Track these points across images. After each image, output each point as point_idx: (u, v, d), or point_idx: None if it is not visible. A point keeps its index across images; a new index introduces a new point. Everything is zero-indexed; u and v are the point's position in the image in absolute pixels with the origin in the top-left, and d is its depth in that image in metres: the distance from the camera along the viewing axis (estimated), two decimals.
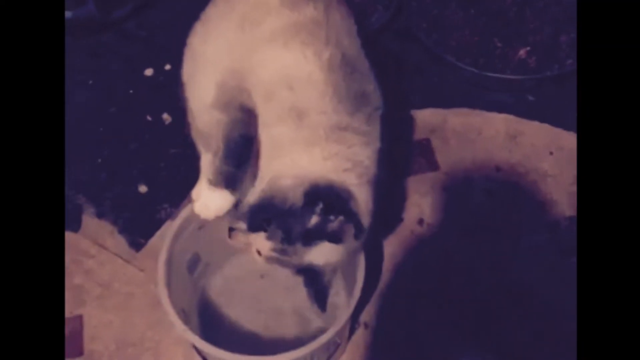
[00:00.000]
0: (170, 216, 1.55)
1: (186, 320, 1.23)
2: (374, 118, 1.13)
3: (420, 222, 1.55)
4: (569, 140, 1.65)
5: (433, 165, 1.63)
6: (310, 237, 1.05)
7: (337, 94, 1.09)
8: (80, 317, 1.44)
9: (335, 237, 1.05)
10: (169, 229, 1.30)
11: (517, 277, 1.47)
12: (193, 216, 1.31)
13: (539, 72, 1.73)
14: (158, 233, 1.53)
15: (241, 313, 1.41)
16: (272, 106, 1.10)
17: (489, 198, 1.58)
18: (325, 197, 1.04)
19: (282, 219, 1.05)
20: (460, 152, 1.65)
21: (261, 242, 1.08)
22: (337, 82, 1.09)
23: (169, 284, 1.23)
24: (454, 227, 1.54)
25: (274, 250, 1.07)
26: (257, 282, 1.44)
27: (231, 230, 1.12)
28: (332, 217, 1.04)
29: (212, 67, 1.19)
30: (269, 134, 1.11)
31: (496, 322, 1.42)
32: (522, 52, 1.76)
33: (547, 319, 1.41)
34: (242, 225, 1.09)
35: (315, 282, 1.12)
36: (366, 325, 1.41)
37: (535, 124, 1.69)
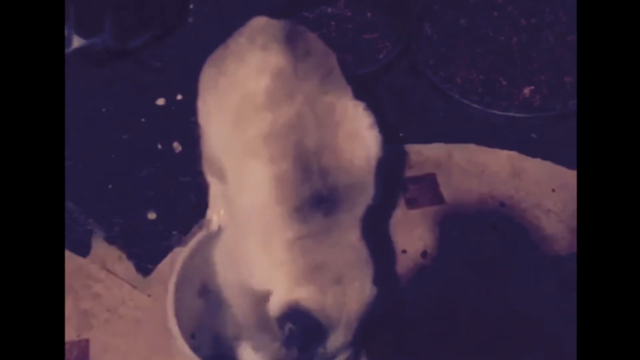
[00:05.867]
0: (179, 243, 1.57)
1: (196, 346, 1.24)
2: (335, 212, 1.17)
3: (424, 255, 1.57)
4: (571, 178, 1.68)
5: (438, 199, 1.66)
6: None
7: (288, 207, 1.15)
8: (87, 341, 1.46)
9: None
10: (180, 255, 1.32)
11: (520, 311, 1.49)
12: (203, 243, 1.35)
13: (542, 111, 1.77)
14: (166, 259, 1.55)
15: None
16: (250, 235, 1.20)
17: (492, 233, 1.61)
18: (288, 323, 1.14)
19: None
20: (464, 187, 1.68)
21: None
22: (288, 195, 1.16)
23: (177, 309, 1.25)
24: (457, 261, 1.56)
25: None
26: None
27: None
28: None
29: (222, 142, 1.28)
30: (255, 262, 1.20)
31: (499, 355, 1.43)
32: (526, 91, 1.80)
33: (550, 353, 1.43)
34: None
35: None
36: (368, 357, 1.42)
37: (539, 161, 1.72)
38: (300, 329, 1.13)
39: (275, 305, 1.15)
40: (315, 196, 1.16)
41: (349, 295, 1.16)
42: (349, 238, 1.19)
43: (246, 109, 1.22)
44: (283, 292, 1.15)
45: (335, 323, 1.15)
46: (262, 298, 1.17)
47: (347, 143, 1.22)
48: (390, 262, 1.56)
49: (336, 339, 1.17)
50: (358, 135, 1.23)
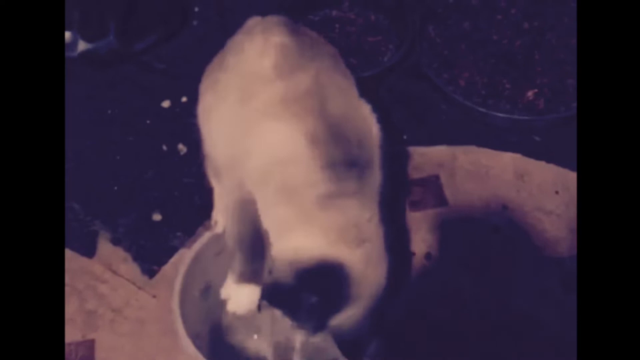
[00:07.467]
0: (184, 244, 1.58)
1: (199, 346, 1.25)
2: (365, 177, 1.16)
3: (428, 256, 1.58)
4: (574, 180, 1.68)
5: (441, 201, 1.66)
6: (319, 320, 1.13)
7: (322, 164, 1.13)
8: (92, 342, 1.47)
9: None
10: (185, 256, 1.33)
11: (523, 312, 1.49)
12: (208, 245, 1.36)
13: (546, 114, 1.77)
14: (171, 260, 1.56)
15: (254, 341, 1.43)
16: (266, 190, 1.16)
17: (495, 234, 1.61)
18: (314, 280, 1.11)
19: (288, 301, 1.13)
20: (468, 189, 1.69)
21: (281, 316, 1.16)
22: (321, 152, 1.13)
23: (183, 310, 1.26)
24: (461, 262, 1.57)
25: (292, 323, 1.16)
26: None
27: (259, 305, 1.24)
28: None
29: (221, 135, 1.26)
30: (267, 218, 1.17)
31: (502, 356, 1.44)
32: (529, 94, 1.81)
33: (551, 354, 1.43)
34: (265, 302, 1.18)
35: (342, 339, 1.17)
36: (374, 358, 1.43)
37: (542, 163, 1.73)
38: (324, 295, 1.11)
39: (305, 259, 1.12)
40: (348, 159, 1.14)
41: (373, 260, 1.15)
42: (373, 204, 1.17)
43: (253, 85, 1.20)
44: (315, 247, 1.12)
45: (357, 288, 1.13)
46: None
47: (365, 119, 1.22)
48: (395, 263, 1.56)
49: (350, 312, 1.15)
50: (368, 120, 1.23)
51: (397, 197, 1.63)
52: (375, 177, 1.19)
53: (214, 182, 1.44)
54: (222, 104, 1.26)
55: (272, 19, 1.28)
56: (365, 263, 1.14)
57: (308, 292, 1.11)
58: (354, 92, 1.25)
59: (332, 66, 1.24)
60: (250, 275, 1.23)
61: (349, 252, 1.13)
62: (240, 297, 1.24)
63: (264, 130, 1.17)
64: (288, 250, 1.14)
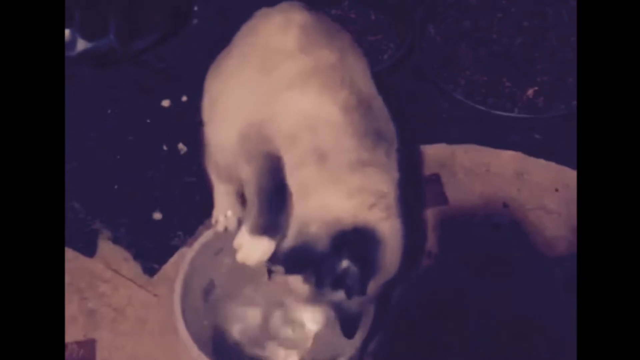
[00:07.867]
0: (184, 243, 1.58)
1: (200, 345, 1.25)
2: (391, 153, 1.18)
3: (428, 254, 1.58)
4: (574, 178, 1.68)
5: (442, 200, 1.67)
6: (339, 283, 1.11)
7: (356, 132, 1.14)
8: (93, 341, 1.47)
9: (349, 291, 1.11)
10: (186, 255, 1.33)
11: (522, 312, 1.49)
12: (209, 243, 1.36)
13: (546, 112, 1.77)
14: (172, 259, 1.56)
15: (256, 339, 1.43)
16: (295, 151, 1.15)
17: (496, 233, 1.62)
18: (351, 244, 1.10)
19: (313, 266, 1.11)
20: (468, 187, 1.69)
21: (298, 284, 1.15)
22: (355, 121, 1.14)
23: (184, 309, 1.26)
24: (460, 261, 1.57)
25: (309, 291, 1.14)
26: (272, 310, 1.46)
27: (270, 272, 1.19)
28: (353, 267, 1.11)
29: (232, 116, 1.25)
30: (295, 178, 1.15)
31: (502, 355, 1.44)
32: (530, 92, 1.81)
33: (551, 353, 1.44)
34: (280, 268, 1.14)
35: (345, 313, 1.16)
36: (374, 356, 1.43)
37: (542, 161, 1.73)
38: (359, 260, 1.10)
39: (341, 221, 1.11)
40: (379, 132, 1.15)
41: (398, 238, 1.15)
42: (395, 184, 1.18)
43: (273, 59, 1.20)
44: (348, 209, 1.12)
45: (384, 261, 1.13)
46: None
47: (382, 102, 1.23)
48: None
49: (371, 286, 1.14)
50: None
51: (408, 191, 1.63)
52: (395, 160, 1.20)
53: (215, 180, 1.44)
54: (232, 81, 1.25)
55: (286, 4, 1.29)
56: (394, 237, 1.14)
57: (343, 257, 1.10)
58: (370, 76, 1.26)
59: (352, 47, 1.26)
60: (266, 227, 1.17)
61: (383, 221, 1.12)
62: (252, 248, 1.17)
63: (289, 97, 1.17)
64: (319, 209, 1.12)
